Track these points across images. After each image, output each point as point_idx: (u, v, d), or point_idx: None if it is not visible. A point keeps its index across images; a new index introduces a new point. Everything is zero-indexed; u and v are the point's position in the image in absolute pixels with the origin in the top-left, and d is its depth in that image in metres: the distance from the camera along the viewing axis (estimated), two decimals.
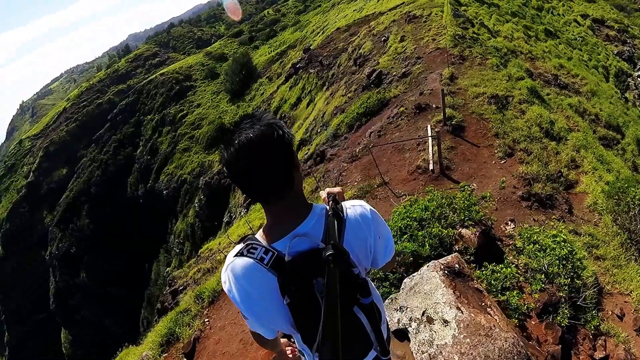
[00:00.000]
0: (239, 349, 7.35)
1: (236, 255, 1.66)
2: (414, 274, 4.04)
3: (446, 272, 3.81)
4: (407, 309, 3.74)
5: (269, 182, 1.58)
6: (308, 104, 31.90)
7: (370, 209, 1.86)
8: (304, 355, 1.98)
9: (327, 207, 1.76)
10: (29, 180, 77.24)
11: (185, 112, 64.32)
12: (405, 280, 4.04)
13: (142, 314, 51.03)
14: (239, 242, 1.73)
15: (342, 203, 1.82)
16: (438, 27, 19.60)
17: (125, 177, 64.54)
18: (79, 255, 62.77)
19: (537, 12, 29.60)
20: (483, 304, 3.62)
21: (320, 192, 2.03)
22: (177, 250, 51.45)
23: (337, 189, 2.02)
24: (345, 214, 1.74)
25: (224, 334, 8.69)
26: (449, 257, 4.13)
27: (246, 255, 1.63)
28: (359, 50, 25.66)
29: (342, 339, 1.21)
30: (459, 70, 15.32)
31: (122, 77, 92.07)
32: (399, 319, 3.74)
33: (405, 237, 5.67)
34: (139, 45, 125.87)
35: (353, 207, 1.80)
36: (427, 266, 3.97)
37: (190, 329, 9.76)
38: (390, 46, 21.23)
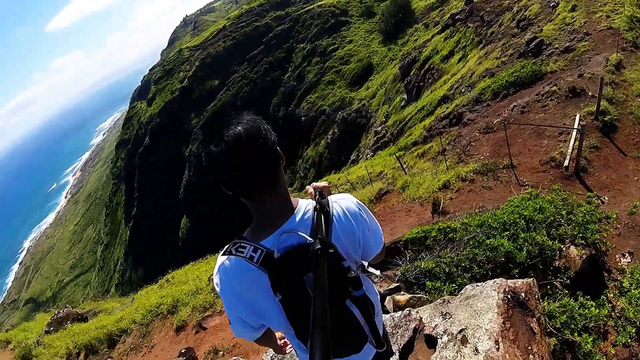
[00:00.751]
0: None
1: (225, 255, 1.67)
2: (478, 284, 3.77)
3: (508, 297, 3.48)
4: (450, 318, 3.52)
5: (259, 177, 1.57)
6: (459, 60, 30.14)
7: (357, 202, 1.84)
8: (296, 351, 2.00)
9: (314, 202, 1.74)
10: (183, 84, 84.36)
11: (336, 46, 64.94)
12: (467, 287, 3.80)
13: None
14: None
15: (328, 197, 1.80)
16: (616, 3, 17.27)
17: (269, 97, 67.62)
18: None
19: None
20: (529, 347, 3.28)
21: (307, 186, 2.01)
22: (302, 174, 53.76)
23: (323, 184, 1.98)
24: (331, 208, 1.73)
25: None
26: (520, 281, 3.72)
27: (235, 255, 1.63)
28: (525, 12, 23.61)
29: (336, 332, 1.23)
30: (628, 59, 13.43)
31: (281, 4, 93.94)
32: (436, 325, 3.56)
33: (505, 233, 5.29)
34: None
35: (340, 201, 1.79)
36: (494, 282, 3.68)
37: None
38: (559, 14, 19.30)
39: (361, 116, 46.94)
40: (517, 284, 3.65)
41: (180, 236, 73.07)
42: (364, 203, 1.90)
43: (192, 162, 71.07)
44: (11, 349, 17.55)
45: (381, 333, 1.84)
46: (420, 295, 4.74)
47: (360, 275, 1.72)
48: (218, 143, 1.54)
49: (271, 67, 72.09)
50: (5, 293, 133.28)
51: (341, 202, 1.78)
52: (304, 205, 1.74)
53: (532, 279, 3.86)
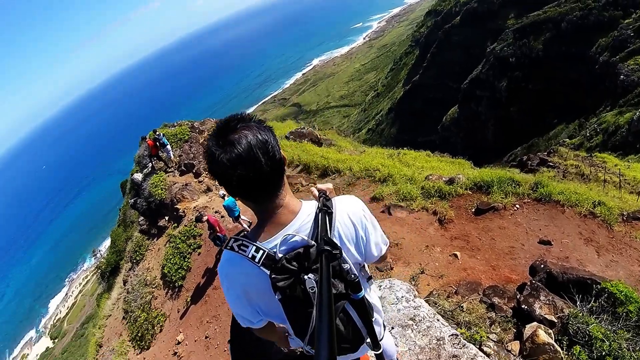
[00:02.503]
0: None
1: (227, 250, 1.71)
2: None
3: None
4: None
5: (266, 183, 1.60)
6: None
7: (361, 204, 1.85)
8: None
9: (318, 204, 1.75)
10: None
11: None
12: None
13: (516, 150, 54.13)
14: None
15: (332, 199, 1.80)
16: None
17: (596, 35, 59.45)
18: (514, 67, 65.07)
19: None
20: None
21: (311, 187, 2.00)
22: (587, 135, 48.83)
23: (328, 185, 1.97)
24: (335, 210, 1.73)
25: (520, 227, 8.40)
26: None
27: (237, 252, 1.66)
28: None
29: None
30: None
31: None
32: None
33: None
34: None
35: (343, 203, 1.80)
36: None
37: (511, 190, 9.37)
38: None
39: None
40: None
41: (442, 121, 75.19)
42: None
43: (490, 61, 68.92)
44: None
45: (379, 337, 1.93)
46: (559, 350, 4.27)
47: (360, 279, 1.72)
48: (226, 148, 1.53)
49: (614, 2, 61.46)
50: (280, 90, 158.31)
51: (345, 205, 1.80)
52: (308, 208, 1.75)
53: None
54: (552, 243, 7.72)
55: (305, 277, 1.56)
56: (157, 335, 12.25)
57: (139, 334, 12.67)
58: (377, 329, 1.89)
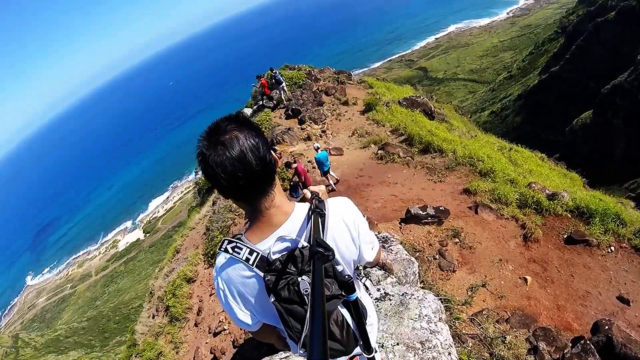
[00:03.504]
0: None
1: (221, 252, 1.74)
2: None
3: None
4: None
5: (258, 184, 1.62)
6: None
7: (353, 207, 1.88)
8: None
9: (311, 206, 1.77)
10: None
11: None
12: None
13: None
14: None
15: (325, 201, 1.82)
16: None
17: None
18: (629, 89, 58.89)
19: None
20: None
21: (304, 190, 2.04)
22: None
23: (320, 188, 2.03)
24: (328, 212, 1.75)
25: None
26: None
27: (231, 254, 1.69)
28: None
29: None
30: None
31: None
32: None
33: None
34: None
35: (336, 205, 1.82)
36: None
37: (612, 227, 8.40)
38: None
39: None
40: None
41: (572, 123, 68.26)
42: None
43: (638, 70, 60.65)
44: (368, 93, 21.69)
45: (372, 340, 1.92)
46: None
47: (354, 280, 1.74)
48: (217, 149, 1.55)
49: None
50: (409, 51, 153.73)
51: (338, 207, 1.82)
52: (300, 209, 1.78)
53: None
54: (631, 304, 6.88)
55: (299, 279, 1.59)
56: None
57: (212, 252, 13.54)
58: (370, 332, 1.90)
